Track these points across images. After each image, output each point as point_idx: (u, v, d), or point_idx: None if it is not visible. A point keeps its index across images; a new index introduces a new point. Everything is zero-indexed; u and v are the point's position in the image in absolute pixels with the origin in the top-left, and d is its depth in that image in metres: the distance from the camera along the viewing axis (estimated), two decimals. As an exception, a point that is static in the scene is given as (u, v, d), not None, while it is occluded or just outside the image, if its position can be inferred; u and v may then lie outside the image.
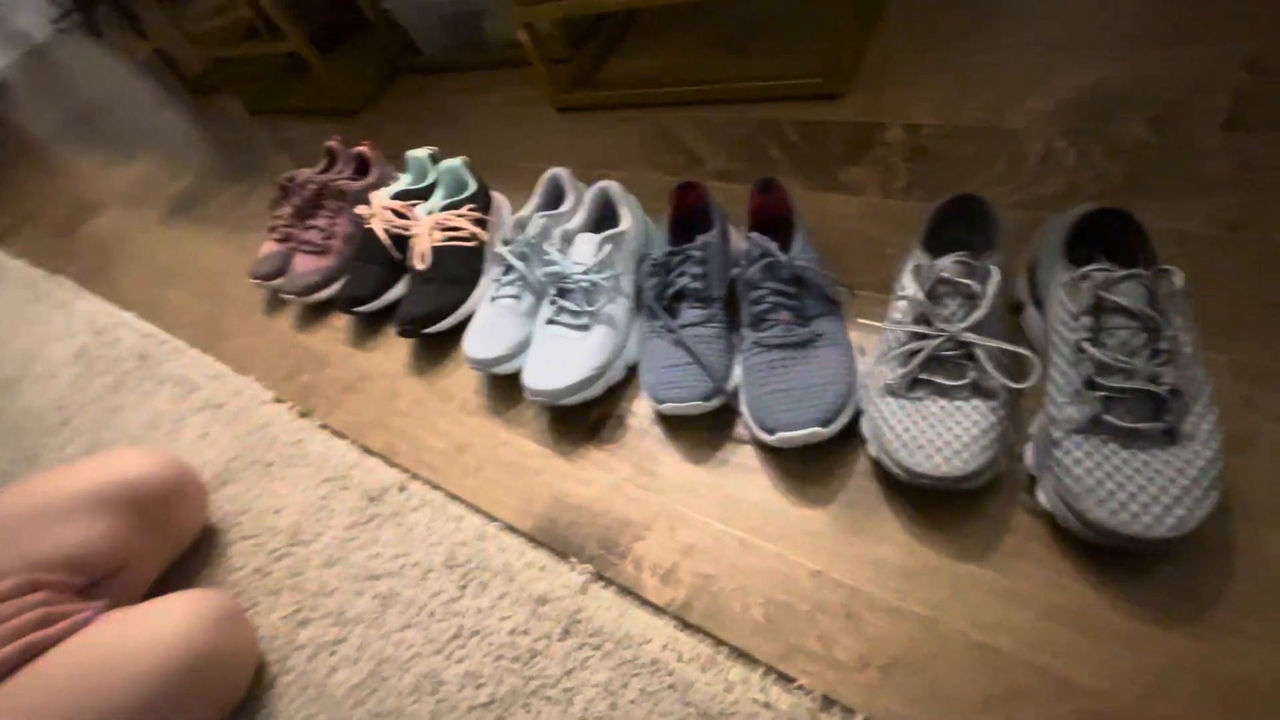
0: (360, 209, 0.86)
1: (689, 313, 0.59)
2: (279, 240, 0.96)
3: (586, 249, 0.64)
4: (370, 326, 0.85)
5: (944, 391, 0.46)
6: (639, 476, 0.58)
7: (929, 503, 0.48)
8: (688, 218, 0.68)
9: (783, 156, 0.80)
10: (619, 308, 0.64)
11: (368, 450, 0.71)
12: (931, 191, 0.68)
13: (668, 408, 0.56)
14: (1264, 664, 0.36)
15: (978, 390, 0.45)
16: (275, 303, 0.98)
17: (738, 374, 0.57)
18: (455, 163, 0.84)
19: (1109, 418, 0.40)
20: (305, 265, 0.91)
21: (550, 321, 0.64)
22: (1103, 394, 0.41)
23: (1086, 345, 0.42)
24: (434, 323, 0.74)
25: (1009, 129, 0.69)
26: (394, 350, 0.80)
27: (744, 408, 0.54)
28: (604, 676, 0.47)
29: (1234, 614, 0.38)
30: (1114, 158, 0.62)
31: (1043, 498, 0.43)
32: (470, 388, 0.72)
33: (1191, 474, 0.38)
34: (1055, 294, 0.46)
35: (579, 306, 0.62)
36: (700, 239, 0.60)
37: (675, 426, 0.60)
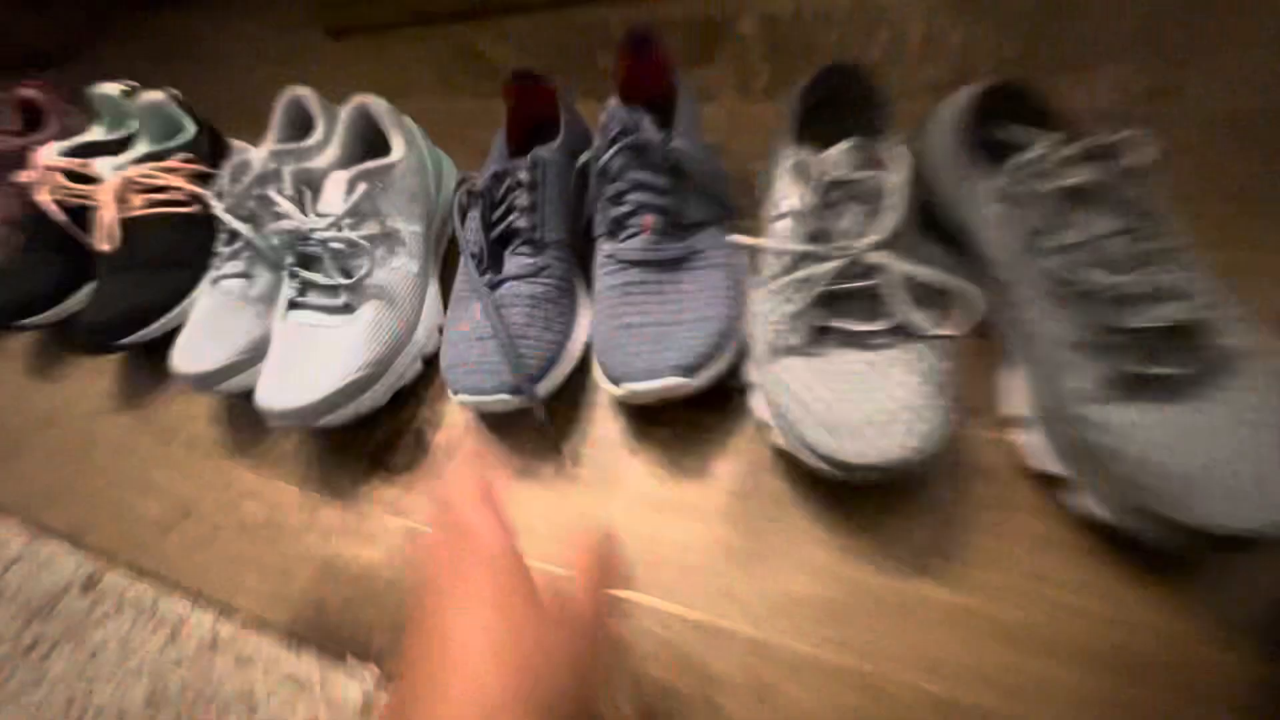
0: (22, 174, 0.59)
1: (513, 261, 0.41)
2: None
3: (336, 193, 0.44)
4: (57, 345, 0.59)
5: (858, 340, 0.31)
6: (447, 516, 0.39)
7: (850, 497, 0.33)
8: (531, 132, 0.49)
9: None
10: (397, 272, 0.44)
11: (45, 531, 0.47)
12: (799, 90, 0.53)
13: (463, 399, 0.38)
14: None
15: (902, 332, 0.31)
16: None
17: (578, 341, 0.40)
18: (158, 97, 0.58)
19: (1138, 369, 0.27)
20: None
21: (293, 305, 0.43)
22: (1119, 339, 0.28)
23: (1085, 271, 0.28)
24: (133, 330, 0.50)
25: (880, 5, 0.56)
26: (93, 377, 0.55)
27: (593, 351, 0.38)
28: None
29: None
30: (1005, 30, 0.51)
31: (1094, 506, 0.29)
32: (201, 418, 0.49)
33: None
34: (989, 210, 0.33)
35: (331, 278, 0.42)
36: (533, 153, 0.41)
37: (499, 426, 0.42)
